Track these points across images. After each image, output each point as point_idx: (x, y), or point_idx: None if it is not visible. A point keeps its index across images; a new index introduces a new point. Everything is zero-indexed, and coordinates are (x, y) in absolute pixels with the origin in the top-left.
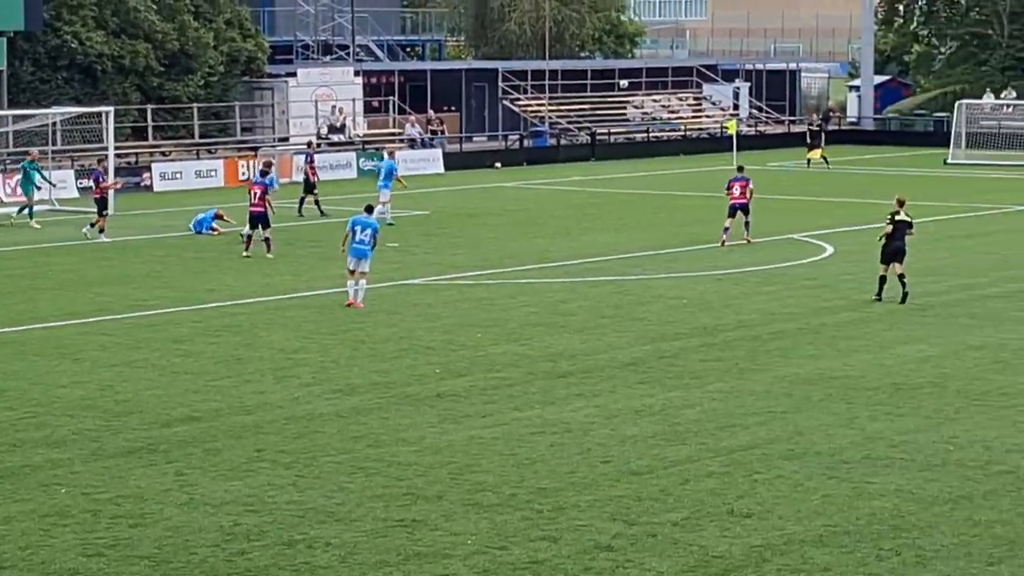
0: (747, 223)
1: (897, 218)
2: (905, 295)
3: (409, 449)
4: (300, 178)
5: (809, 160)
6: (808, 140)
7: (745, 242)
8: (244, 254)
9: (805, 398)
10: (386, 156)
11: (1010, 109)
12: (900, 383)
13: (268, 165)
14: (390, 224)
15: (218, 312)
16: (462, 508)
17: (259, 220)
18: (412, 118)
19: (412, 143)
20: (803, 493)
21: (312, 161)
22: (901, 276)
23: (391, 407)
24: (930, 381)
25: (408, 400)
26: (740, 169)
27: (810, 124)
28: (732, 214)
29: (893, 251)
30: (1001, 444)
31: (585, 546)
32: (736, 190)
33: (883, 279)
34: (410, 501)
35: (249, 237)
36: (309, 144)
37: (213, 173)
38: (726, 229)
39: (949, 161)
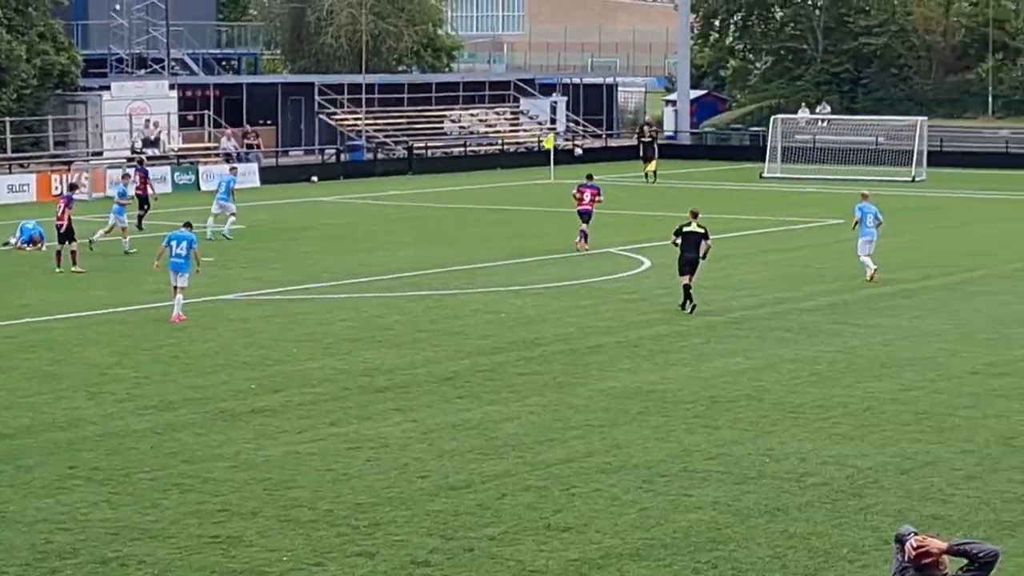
0: (586, 234)
1: (687, 229)
2: (685, 303)
3: (224, 465)
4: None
5: (647, 173)
6: (642, 153)
7: (576, 250)
8: (56, 269)
9: (623, 411)
10: (227, 171)
11: (824, 123)
12: (717, 396)
13: (125, 177)
14: (208, 240)
15: (31, 327)
16: (278, 524)
17: (62, 234)
18: (228, 132)
19: (228, 157)
20: (620, 507)
21: (146, 175)
22: (687, 287)
23: (206, 423)
24: (746, 394)
25: (223, 416)
26: (589, 177)
27: (640, 137)
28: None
29: (687, 262)
30: (816, 456)
31: (402, 562)
32: (587, 196)
33: (685, 288)
34: (225, 518)
35: (59, 252)
36: (141, 161)
37: (26, 187)
38: (585, 236)
39: (764, 175)
